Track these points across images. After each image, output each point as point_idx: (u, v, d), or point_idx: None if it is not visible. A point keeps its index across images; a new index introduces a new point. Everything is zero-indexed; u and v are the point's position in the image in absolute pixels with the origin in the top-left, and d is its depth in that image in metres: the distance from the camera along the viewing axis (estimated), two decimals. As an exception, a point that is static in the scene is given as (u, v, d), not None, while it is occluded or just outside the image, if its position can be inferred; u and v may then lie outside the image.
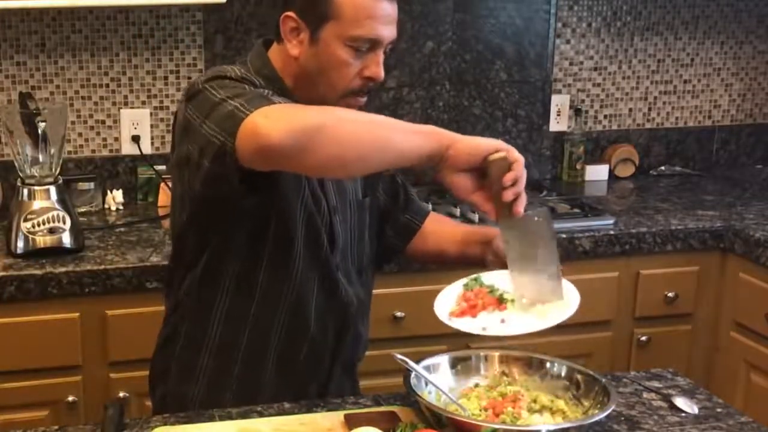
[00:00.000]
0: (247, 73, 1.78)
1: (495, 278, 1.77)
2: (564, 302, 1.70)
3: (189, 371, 1.88)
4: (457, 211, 2.86)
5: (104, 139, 2.99)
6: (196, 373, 1.87)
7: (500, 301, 1.71)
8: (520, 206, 1.61)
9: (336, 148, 1.53)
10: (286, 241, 1.80)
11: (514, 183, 1.59)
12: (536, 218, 1.68)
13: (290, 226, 1.79)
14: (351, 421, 1.63)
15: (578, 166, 3.35)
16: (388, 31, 1.76)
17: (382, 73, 1.78)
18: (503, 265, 1.79)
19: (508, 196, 1.59)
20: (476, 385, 1.73)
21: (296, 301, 1.84)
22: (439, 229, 2.09)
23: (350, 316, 1.91)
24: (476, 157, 1.59)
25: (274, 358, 1.86)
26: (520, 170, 1.59)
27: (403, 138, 1.59)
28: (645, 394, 1.83)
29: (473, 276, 1.79)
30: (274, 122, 1.52)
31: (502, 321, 1.67)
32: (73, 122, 2.93)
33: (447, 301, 1.74)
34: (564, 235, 2.74)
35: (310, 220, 1.82)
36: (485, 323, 1.67)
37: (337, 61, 1.75)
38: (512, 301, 1.71)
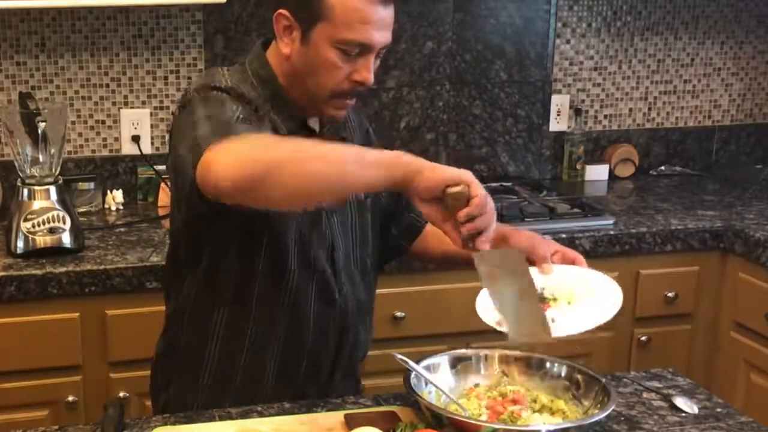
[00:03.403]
0: (239, 82, 1.77)
1: None
2: (607, 299, 1.73)
3: (190, 384, 1.88)
4: (457, 211, 2.86)
5: (104, 139, 2.99)
6: (196, 386, 1.87)
7: (541, 301, 1.71)
8: (481, 243, 1.53)
9: (287, 189, 1.50)
10: (280, 252, 1.79)
11: (471, 219, 1.51)
12: (509, 253, 1.65)
13: (283, 237, 1.78)
14: (351, 421, 1.63)
15: (578, 166, 3.35)
16: (380, 37, 1.73)
17: (371, 78, 1.76)
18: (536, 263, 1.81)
19: (463, 231, 1.52)
20: (476, 385, 1.73)
21: (293, 310, 1.82)
22: None
23: (350, 321, 1.90)
24: (435, 189, 1.51)
25: (273, 371, 1.85)
26: (476, 207, 1.50)
27: (361, 172, 1.52)
28: (645, 394, 1.83)
29: None
30: (225, 164, 1.50)
31: (553, 320, 1.68)
32: (73, 122, 2.93)
33: (488, 308, 1.71)
34: (564, 235, 2.74)
35: (302, 228, 1.80)
36: None
37: (326, 63, 1.74)
38: (554, 299, 1.72)
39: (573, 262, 1.84)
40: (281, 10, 1.76)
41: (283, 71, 1.81)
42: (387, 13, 1.74)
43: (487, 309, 1.70)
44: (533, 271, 1.76)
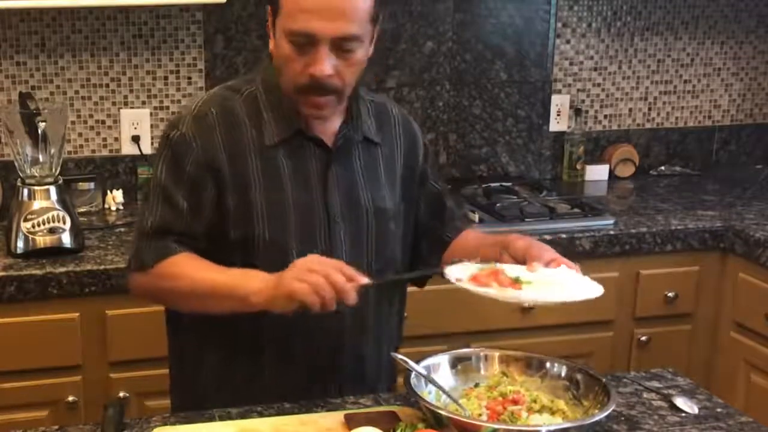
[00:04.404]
0: (216, 104, 1.82)
1: (512, 268, 1.73)
2: (584, 289, 1.69)
3: (196, 390, 1.90)
4: (457, 211, 2.86)
5: (104, 139, 2.99)
6: (200, 391, 1.88)
7: (515, 281, 1.66)
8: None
9: (180, 309, 1.85)
10: (275, 260, 1.76)
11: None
12: None
13: (280, 245, 1.79)
14: (351, 421, 1.63)
15: (578, 166, 3.35)
16: (326, 27, 1.68)
17: (324, 70, 1.70)
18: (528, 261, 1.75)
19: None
20: (476, 385, 1.73)
21: (281, 316, 1.78)
22: (459, 240, 2.02)
23: (350, 333, 1.85)
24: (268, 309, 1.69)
25: (269, 376, 1.84)
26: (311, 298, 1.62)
27: (221, 305, 1.74)
28: (645, 394, 1.83)
29: (489, 264, 1.73)
30: (135, 294, 1.89)
31: (517, 295, 1.64)
32: (73, 122, 2.93)
33: (459, 273, 1.71)
34: (564, 235, 2.74)
35: (302, 236, 1.79)
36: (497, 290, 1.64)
37: (284, 57, 1.74)
38: (528, 282, 1.66)
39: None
40: (267, 8, 1.79)
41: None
42: (336, 2, 1.69)
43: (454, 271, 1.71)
44: (521, 268, 1.72)
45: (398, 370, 1.69)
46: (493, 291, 1.63)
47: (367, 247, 1.87)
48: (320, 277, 1.60)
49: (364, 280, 1.64)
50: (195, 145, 1.79)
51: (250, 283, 1.68)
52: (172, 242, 1.79)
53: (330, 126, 1.85)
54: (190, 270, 1.77)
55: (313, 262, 1.64)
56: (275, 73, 1.81)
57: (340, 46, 1.71)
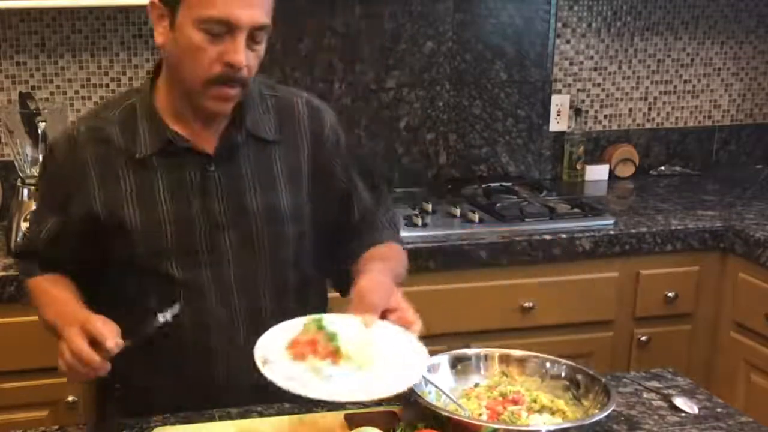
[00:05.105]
0: (99, 120, 1.79)
1: (341, 325, 1.58)
2: (405, 370, 1.55)
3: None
4: (457, 211, 2.86)
5: (104, 139, 2.99)
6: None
7: (335, 353, 1.53)
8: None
9: None
10: (153, 266, 1.76)
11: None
12: None
13: (156, 253, 1.76)
14: (351, 421, 1.63)
15: (578, 166, 3.35)
16: (245, 14, 1.62)
17: (242, 59, 1.64)
18: (359, 310, 1.61)
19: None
20: (476, 385, 1.73)
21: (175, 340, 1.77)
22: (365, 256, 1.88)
23: (241, 344, 1.73)
24: None
25: (166, 399, 1.80)
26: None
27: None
28: (645, 394, 1.83)
29: (316, 317, 1.59)
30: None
31: (330, 375, 1.50)
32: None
33: (277, 339, 1.58)
34: (564, 235, 2.74)
35: (180, 243, 1.75)
36: (302, 374, 1.50)
37: (191, 46, 1.64)
38: (348, 358, 1.53)
39: (407, 327, 1.63)
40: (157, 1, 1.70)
41: (165, 72, 1.76)
42: None
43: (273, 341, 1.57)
44: (352, 321, 1.59)
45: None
46: (300, 387, 1.46)
47: (259, 252, 1.80)
48: (66, 350, 1.65)
49: (112, 342, 1.58)
50: (63, 168, 1.78)
51: (63, 325, 1.70)
52: (36, 266, 1.87)
53: (214, 128, 1.78)
54: (38, 297, 1.84)
55: (69, 330, 1.65)
56: (148, 82, 1.78)
57: (254, 36, 1.66)
